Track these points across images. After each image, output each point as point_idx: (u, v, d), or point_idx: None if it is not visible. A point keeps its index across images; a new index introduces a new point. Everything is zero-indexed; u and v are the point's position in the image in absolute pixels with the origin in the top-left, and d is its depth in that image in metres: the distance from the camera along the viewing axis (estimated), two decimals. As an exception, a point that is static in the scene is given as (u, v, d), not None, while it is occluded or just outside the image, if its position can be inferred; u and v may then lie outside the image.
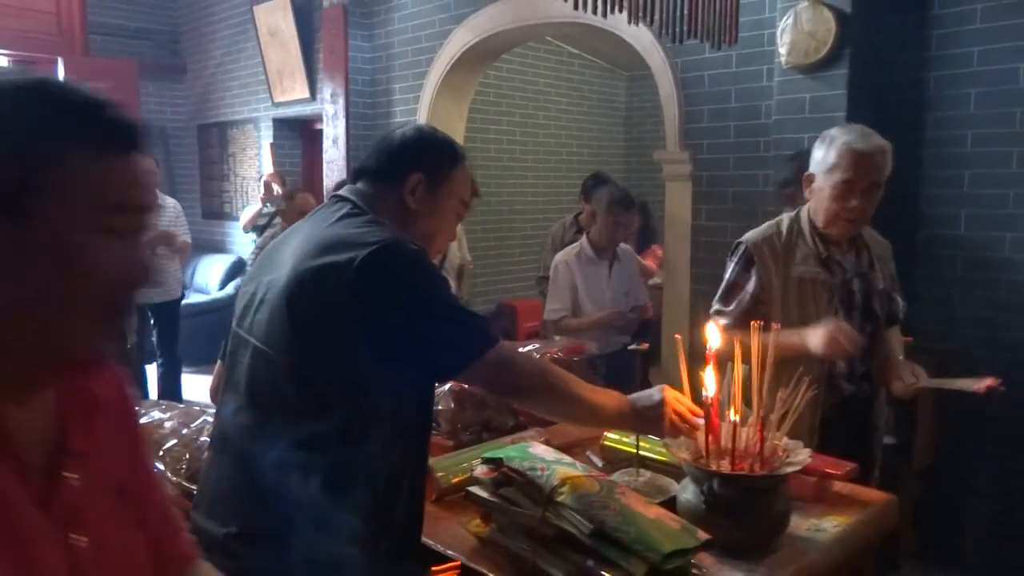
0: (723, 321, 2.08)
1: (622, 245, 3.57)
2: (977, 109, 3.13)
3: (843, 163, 1.97)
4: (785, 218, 2.18)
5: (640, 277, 3.85)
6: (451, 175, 1.44)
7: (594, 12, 2.28)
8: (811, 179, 2.08)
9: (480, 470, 1.48)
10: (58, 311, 0.65)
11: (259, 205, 5.68)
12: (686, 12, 2.63)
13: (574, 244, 3.51)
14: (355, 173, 1.47)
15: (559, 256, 3.46)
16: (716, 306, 2.19)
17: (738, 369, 1.53)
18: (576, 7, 2.25)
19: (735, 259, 2.18)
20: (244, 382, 1.31)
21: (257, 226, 5.61)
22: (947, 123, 3.20)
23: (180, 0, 7.66)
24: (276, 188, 5.69)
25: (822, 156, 2.03)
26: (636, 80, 7.98)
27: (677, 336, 1.76)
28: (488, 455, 1.48)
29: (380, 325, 1.21)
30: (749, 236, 2.17)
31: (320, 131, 6.14)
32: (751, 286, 2.11)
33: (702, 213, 3.97)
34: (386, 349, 1.21)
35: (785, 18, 3.28)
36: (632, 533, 1.24)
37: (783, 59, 3.32)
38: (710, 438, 1.49)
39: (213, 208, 7.65)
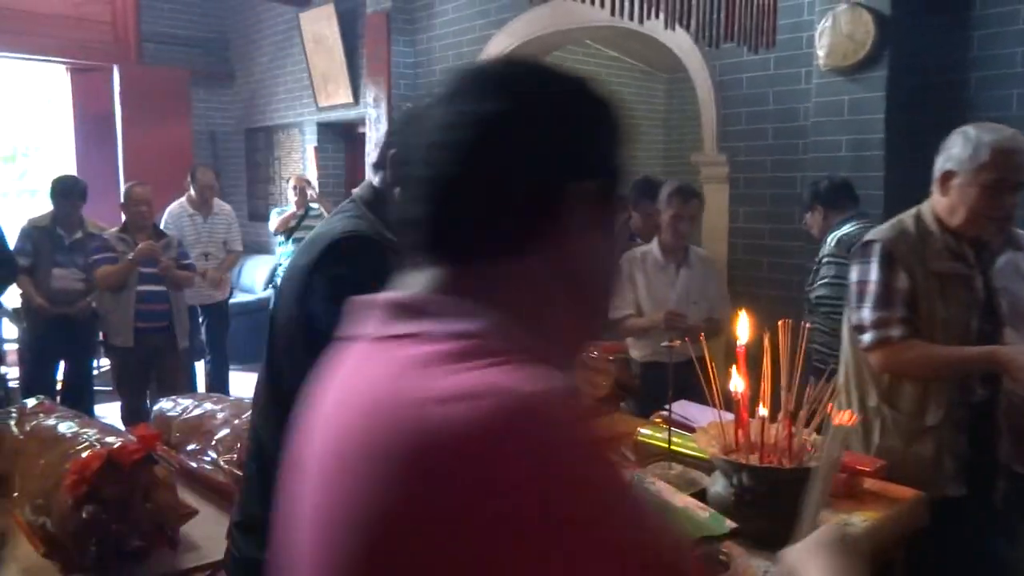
0: (896, 332, 1.91)
1: (700, 251, 3.40)
2: (1020, 110, 3.11)
3: (994, 162, 1.87)
4: (906, 216, 2.06)
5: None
6: None
7: (630, 18, 2.34)
8: (950, 177, 1.95)
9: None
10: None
11: (292, 209, 5.70)
12: (723, 16, 2.67)
13: (645, 245, 3.33)
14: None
15: (627, 254, 3.29)
16: (874, 314, 1.95)
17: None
18: (613, 12, 2.31)
19: (872, 260, 1.98)
20: (262, 377, 1.38)
21: (289, 229, 5.69)
22: (989, 124, 3.18)
23: (229, 9, 7.88)
24: (311, 192, 5.78)
25: (968, 155, 1.91)
26: (675, 83, 7.98)
27: (701, 336, 1.81)
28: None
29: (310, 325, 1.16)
30: (880, 234, 2.02)
31: (363, 134, 6.28)
32: (902, 283, 1.94)
33: (740, 215, 3.99)
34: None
35: (823, 20, 3.29)
36: (661, 520, 1.30)
37: (821, 61, 3.33)
38: (739, 433, 1.54)
39: (259, 210, 7.85)
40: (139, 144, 5.81)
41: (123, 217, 4.33)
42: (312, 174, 6.93)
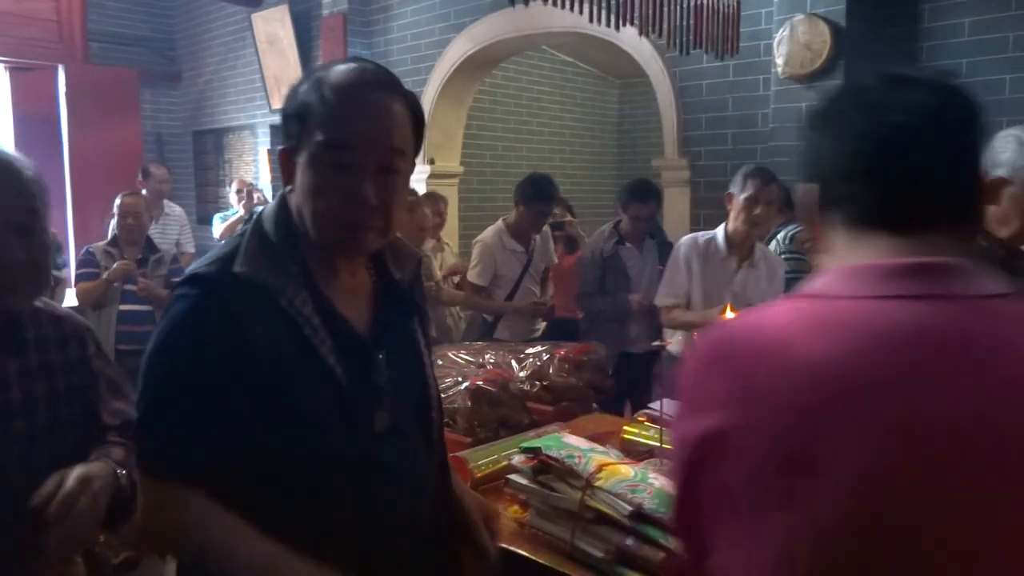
0: None
1: (769, 251, 3.05)
2: (966, 118, 3.27)
3: None
4: None
5: None
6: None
7: (607, 25, 2.39)
8: (1002, 185, 1.78)
9: (518, 459, 1.57)
10: None
11: (240, 213, 5.57)
12: (691, 24, 2.75)
13: (710, 231, 2.98)
14: None
15: (684, 238, 2.99)
16: None
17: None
18: (591, 20, 2.36)
19: None
20: None
21: (235, 235, 5.58)
22: (937, 131, 3.34)
23: (176, 8, 7.71)
24: (257, 195, 5.67)
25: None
26: (629, 87, 8.12)
27: (694, 334, 1.86)
28: (526, 445, 1.58)
29: None
30: None
31: (318, 138, 6.21)
32: None
33: (700, 218, 4.09)
34: None
35: (781, 30, 3.40)
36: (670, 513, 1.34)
37: (780, 69, 3.44)
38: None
39: (208, 213, 7.66)
40: (86, 146, 5.63)
41: (111, 229, 4.05)
42: (265, 177, 6.83)
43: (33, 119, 6.09)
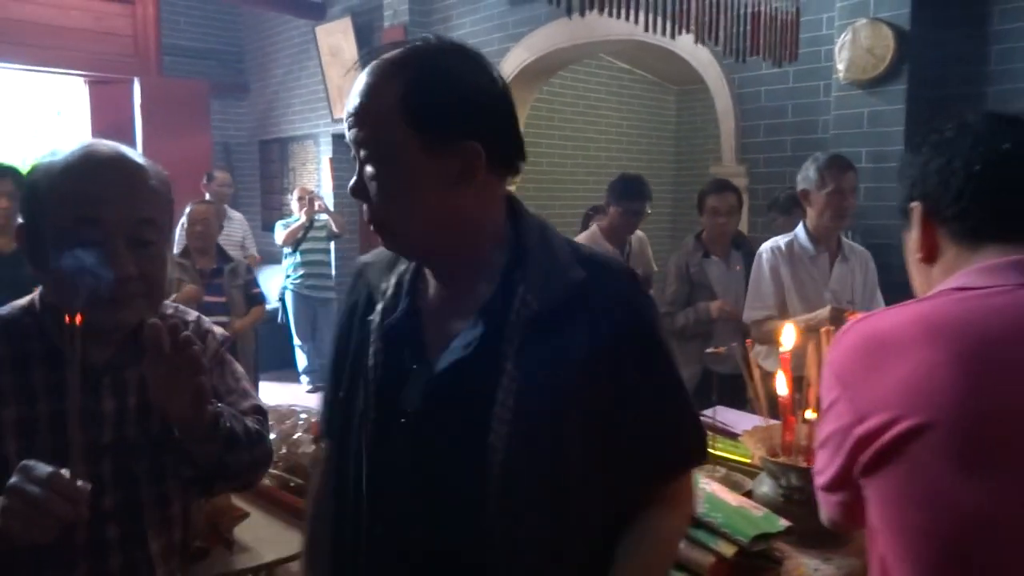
0: None
1: (852, 243, 2.88)
2: (1037, 123, 3.17)
3: None
4: None
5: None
6: None
7: (663, 34, 2.41)
8: None
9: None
10: None
11: (301, 220, 5.80)
12: (748, 31, 2.74)
13: (787, 234, 2.81)
14: None
15: (764, 246, 2.82)
16: None
17: (813, 370, 1.62)
18: (646, 29, 2.38)
19: None
20: None
21: (296, 240, 5.82)
22: (1007, 137, 3.25)
23: (244, 22, 7.98)
24: (318, 203, 5.86)
25: None
26: (686, 94, 8.06)
27: (748, 342, 1.86)
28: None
29: None
30: None
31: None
32: None
33: (758, 225, 4.05)
34: None
35: (843, 35, 3.36)
36: (720, 518, 1.35)
37: (841, 75, 3.40)
38: (786, 435, 1.60)
39: (272, 220, 7.90)
40: (160, 155, 5.80)
41: (179, 238, 4.04)
42: (327, 185, 7.01)
43: (110, 130, 6.38)
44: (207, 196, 5.04)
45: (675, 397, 1.01)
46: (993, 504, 0.82)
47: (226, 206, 5.28)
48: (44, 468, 0.95)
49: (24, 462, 0.97)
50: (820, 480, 1.03)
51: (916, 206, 1.00)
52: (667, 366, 1.01)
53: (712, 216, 3.28)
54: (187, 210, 3.87)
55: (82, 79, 6.49)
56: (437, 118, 0.89)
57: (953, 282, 0.94)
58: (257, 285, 4.04)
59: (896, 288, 2.23)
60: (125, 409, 1.14)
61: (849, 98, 3.43)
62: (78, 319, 0.97)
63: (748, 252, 3.31)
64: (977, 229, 0.94)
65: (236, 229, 5.29)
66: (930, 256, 1.00)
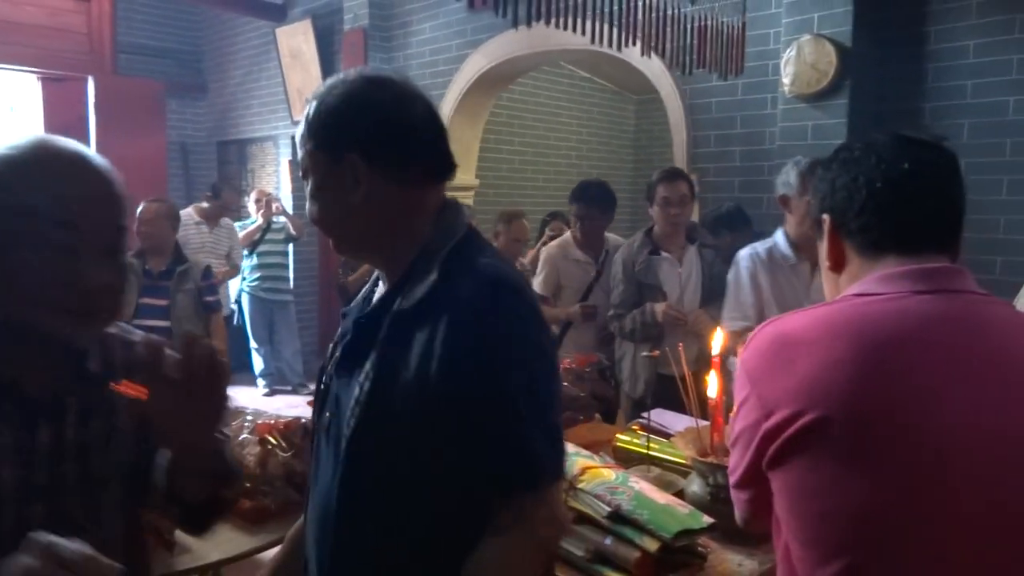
0: None
1: None
2: (970, 139, 3.31)
3: None
4: None
5: None
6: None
7: (609, 46, 2.46)
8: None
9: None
10: None
11: (258, 222, 5.83)
12: (694, 45, 2.82)
13: (767, 240, 2.72)
14: None
15: (742, 252, 2.72)
16: None
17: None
18: (593, 41, 2.43)
19: None
20: None
21: (253, 242, 5.82)
22: (942, 151, 3.38)
23: (203, 22, 7.91)
24: (276, 205, 5.87)
25: None
26: (644, 103, 8.19)
27: (679, 344, 1.93)
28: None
29: None
30: None
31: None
32: None
33: (708, 237, 4.14)
34: None
35: (788, 50, 3.46)
36: (645, 515, 1.40)
37: (786, 89, 3.50)
38: (715, 436, 1.66)
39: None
40: (113, 155, 5.69)
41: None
42: (286, 187, 6.98)
43: (63, 128, 6.27)
44: (204, 204, 4.96)
45: (507, 416, 0.97)
46: (876, 496, 0.89)
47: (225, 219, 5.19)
48: (71, 546, 0.77)
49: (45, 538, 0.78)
50: (732, 478, 1.10)
51: (825, 219, 1.08)
52: (506, 383, 0.97)
53: (663, 207, 3.11)
54: (139, 209, 3.76)
55: (35, 76, 6.37)
56: (324, 134, 1.06)
57: (856, 288, 1.01)
58: (213, 292, 3.86)
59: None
60: (64, 444, 1.00)
61: (794, 111, 3.53)
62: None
63: (704, 246, 3.21)
64: (878, 241, 1.02)
65: (223, 239, 5.19)
66: (837, 265, 1.08)
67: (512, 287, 1.03)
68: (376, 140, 1.05)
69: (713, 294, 3.02)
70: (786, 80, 3.49)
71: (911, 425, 0.89)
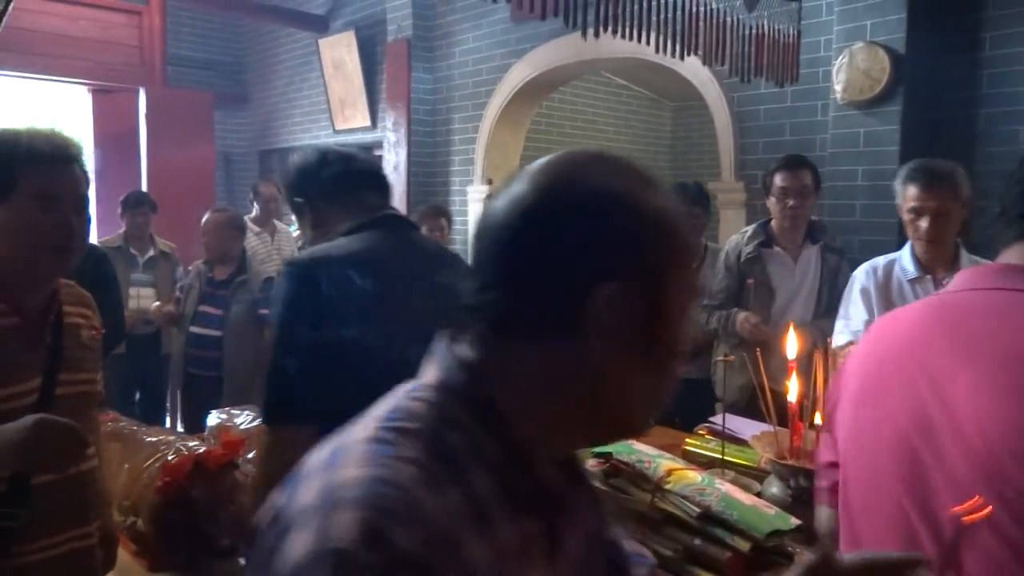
0: None
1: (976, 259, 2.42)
2: (1027, 144, 3.29)
3: None
4: None
5: None
6: None
7: (672, 55, 2.50)
8: None
9: (590, 463, 1.68)
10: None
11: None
12: (753, 52, 2.84)
13: (889, 254, 2.53)
14: None
15: (862, 265, 2.56)
16: None
17: (820, 376, 1.71)
18: (657, 51, 2.47)
19: None
20: None
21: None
22: (997, 158, 3.36)
23: (246, 33, 8.06)
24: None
25: None
26: (682, 110, 8.19)
27: (757, 351, 1.95)
28: (597, 450, 1.68)
29: None
30: None
31: (379, 157, 6.44)
32: None
33: (756, 240, 4.15)
34: None
35: (840, 57, 3.46)
36: (735, 516, 1.43)
37: (838, 96, 3.50)
38: (794, 439, 1.68)
39: (272, 230, 7.98)
40: (164, 165, 5.94)
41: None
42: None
43: (113, 140, 6.44)
44: (255, 211, 4.84)
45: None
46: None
47: (275, 220, 5.02)
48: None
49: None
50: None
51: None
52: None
53: (781, 198, 2.80)
54: (203, 219, 3.85)
55: (85, 88, 6.55)
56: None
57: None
58: (267, 304, 3.69)
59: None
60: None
61: (846, 118, 3.53)
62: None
63: (830, 248, 2.88)
64: None
65: (285, 244, 4.99)
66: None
67: (288, 273, 1.52)
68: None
69: (832, 305, 2.69)
70: (838, 87, 3.49)
71: None
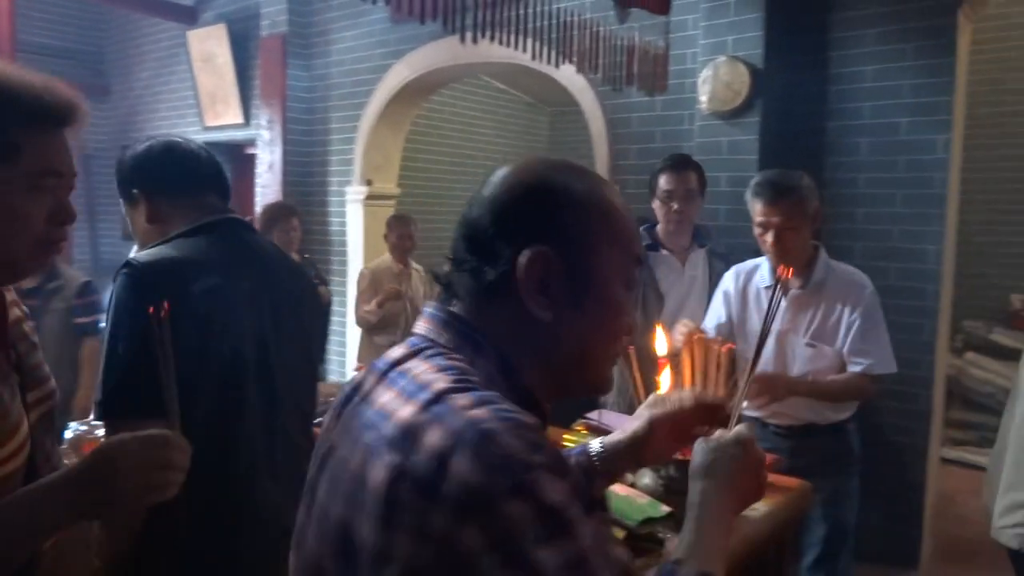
0: None
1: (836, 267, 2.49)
2: (868, 156, 3.60)
3: None
4: None
5: None
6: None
7: (548, 62, 2.58)
8: None
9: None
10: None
11: None
12: (624, 63, 2.97)
13: (757, 259, 2.54)
14: None
15: (732, 270, 2.59)
16: None
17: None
18: (533, 58, 2.54)
19: None
20: None
21: None
22: (843, 167, 3.66)
23: (106, 22, 7.61)
24: None
25: None
26: (559, 115, 8.40)
27: (630, 348, 2.04)
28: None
29: None
30: None
31: (252, 156, 6.24)
32: None
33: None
34: None
35: (705, 70, 3.67)
36: (611, 505, 1.50)
37: (704, 106, 3.71)
38: (664, 431, 1.77)
39: (136, 230, 7.57)
40: None
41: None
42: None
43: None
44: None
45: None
46: None
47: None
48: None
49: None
50: None
51: None
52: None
53: (665, 201, 2.73)
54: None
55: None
56: None
57: None
58: (90, 312, 3.30)
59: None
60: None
61: (710, 127, 3.74)
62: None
63: (716, 254, 2.87)
64: None
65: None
66: None
67: (127, 276, 1.41)
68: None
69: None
70: (703, 98, 3.70)
71: None
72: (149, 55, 7.25)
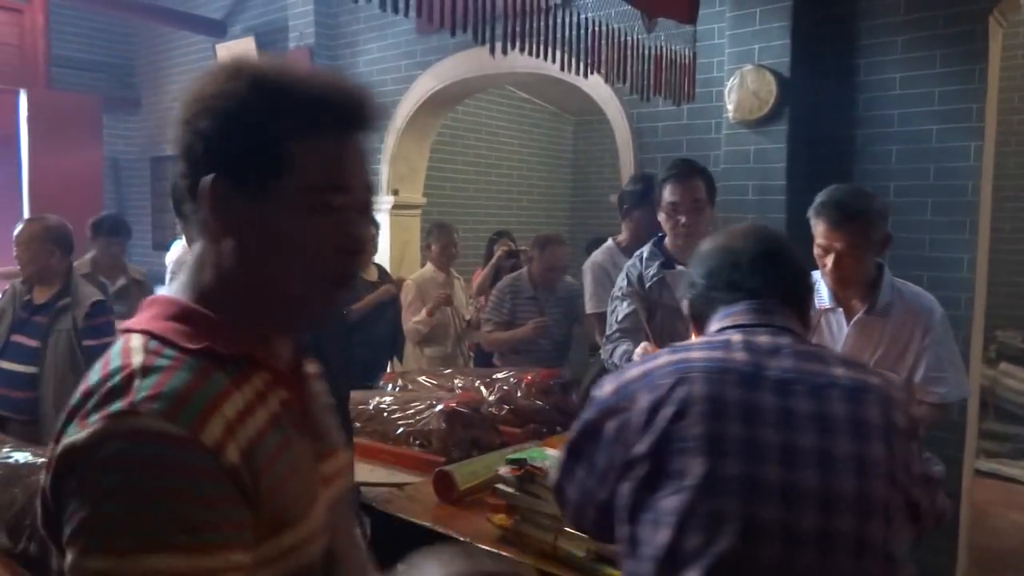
0: None
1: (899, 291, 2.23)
2: (898, 164, 3.57)
3: None
4: None
5: None
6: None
7: (577, 73, 2.59)
8: None
9: (505, 470, 1.72)
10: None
11: None
12: (652, 73, 2.97)
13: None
14: None
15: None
16: None
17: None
18: (562, 68, 2.55)
19: None
20: None
21: None
22: (872, 175, 3.63)
23: (137, 35, 7.75)
24: None
25: None
26: (583, 124, 8.41)
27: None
28: (512, 457, 1.72)
29: None
30: None
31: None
32: None
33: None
34: None
35: (732, 79, 3.67)
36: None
37: (730, 115, 3.70)
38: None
39: (165, 239, 7.65)
40: (46, 171, 5.63)
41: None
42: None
43: (-8, 141, 6.05)
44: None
45: None
46: None
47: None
48: None
49: None
50: None
51: None
52: None
53: (671, 214, 2.51)
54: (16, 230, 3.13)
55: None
56: None
57: None
58: (98, 334, 3.13)
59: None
60: None
61: (737, 136, 3.74)
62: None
63: None
64: None
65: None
66: None
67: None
68: None
69: None
70: (730, 107, 3.69)
71: None
72: (179, 68, 7.37)
